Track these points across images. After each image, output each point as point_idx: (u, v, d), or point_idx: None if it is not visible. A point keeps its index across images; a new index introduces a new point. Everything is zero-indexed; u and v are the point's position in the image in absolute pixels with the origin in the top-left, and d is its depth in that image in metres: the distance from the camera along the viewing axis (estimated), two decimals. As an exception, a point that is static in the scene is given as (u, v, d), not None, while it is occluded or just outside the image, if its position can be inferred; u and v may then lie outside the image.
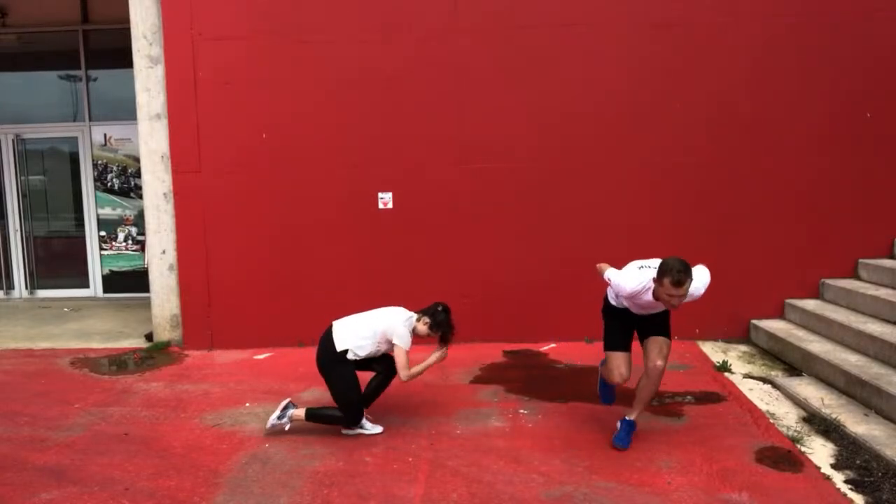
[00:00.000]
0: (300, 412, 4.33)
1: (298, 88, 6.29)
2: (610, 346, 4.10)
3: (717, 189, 6.22)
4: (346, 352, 4.15)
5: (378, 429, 4.35)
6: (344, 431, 4.33)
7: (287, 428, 4.32)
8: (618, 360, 4.03)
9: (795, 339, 5.57)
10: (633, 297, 3.85)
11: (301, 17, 6.24)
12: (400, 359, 4.12)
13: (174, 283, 6.58)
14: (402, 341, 4.13)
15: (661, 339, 3.98)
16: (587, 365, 5.68)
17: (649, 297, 3.77)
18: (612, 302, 4.15)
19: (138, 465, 3.92)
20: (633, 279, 3.82)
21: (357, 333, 4.18)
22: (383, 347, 4.22)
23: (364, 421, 4.33)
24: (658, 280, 3.61)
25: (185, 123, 6.32)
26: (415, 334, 4.23)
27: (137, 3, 6.34)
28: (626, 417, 4.08)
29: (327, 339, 4.23)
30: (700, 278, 3.78)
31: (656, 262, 3.77)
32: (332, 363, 4.18)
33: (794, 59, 6.10)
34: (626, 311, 4.06)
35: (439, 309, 4.23)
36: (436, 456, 3.98)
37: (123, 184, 8.85)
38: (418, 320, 4.23)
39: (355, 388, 4.19)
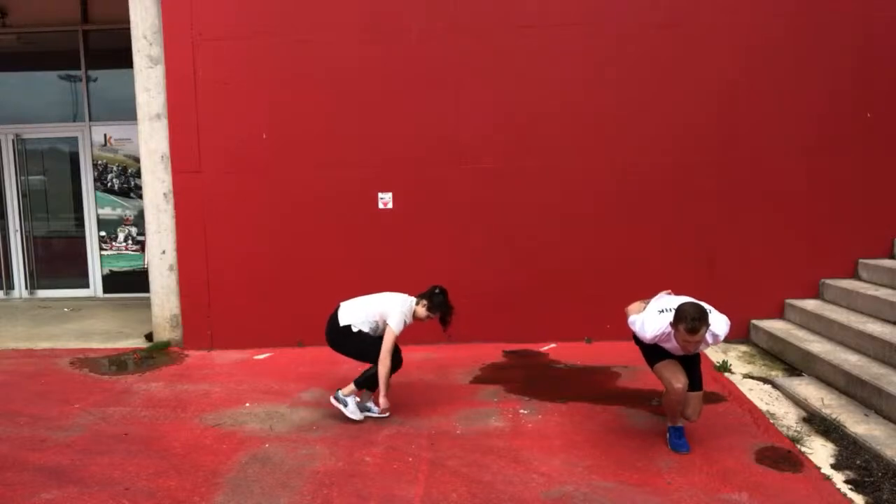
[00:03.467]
0: (350, 389, 4.51)
1: (298, 88, 6.29)
2: (655, 360, 3.94)
3: (716, 189, 6.22)
4: (349, 326, 4.47)
5: (386, 413, 4.58)
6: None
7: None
8: (672, 367, 3.86)
9: (795, 339, 5.57)
10: (656, 342, 3.84)
11: (301, 17, 6.24)
12: (387, 339, 4.37)
13: (174, 283, 6.58)
14: (394, 324, 4.39)
15: (694, 395, 3.89)
16: (587, 365, 5.69)
17: (673, 342, 3.74)
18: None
19: (138, 465, 3.92)
20: (652, 325, 3.78)
21: (358, 312, 4.50)
22: (382, 327, 4.48)
23: (370, 405, 4.60)
24: (674, 325, 3.62)
25: (185, 123, 6.32)
26: (415, 318, 4.51)
27: (137, 3, 6.34)
28: (670, 425, 4.05)
29: (334, 317, 4.55)
30: (718, 324, 3.75)
31: (678, 301, 3.74)
32: (341, 336, 4.50)
33: (794, 59, 6.10)
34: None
35: (436, 291, 4.48)
36: (436, 456, 3.98)
37: (123, 184, 8.86)
38: (417, 304, 4.50)
39: (374, 343, 4.43)
